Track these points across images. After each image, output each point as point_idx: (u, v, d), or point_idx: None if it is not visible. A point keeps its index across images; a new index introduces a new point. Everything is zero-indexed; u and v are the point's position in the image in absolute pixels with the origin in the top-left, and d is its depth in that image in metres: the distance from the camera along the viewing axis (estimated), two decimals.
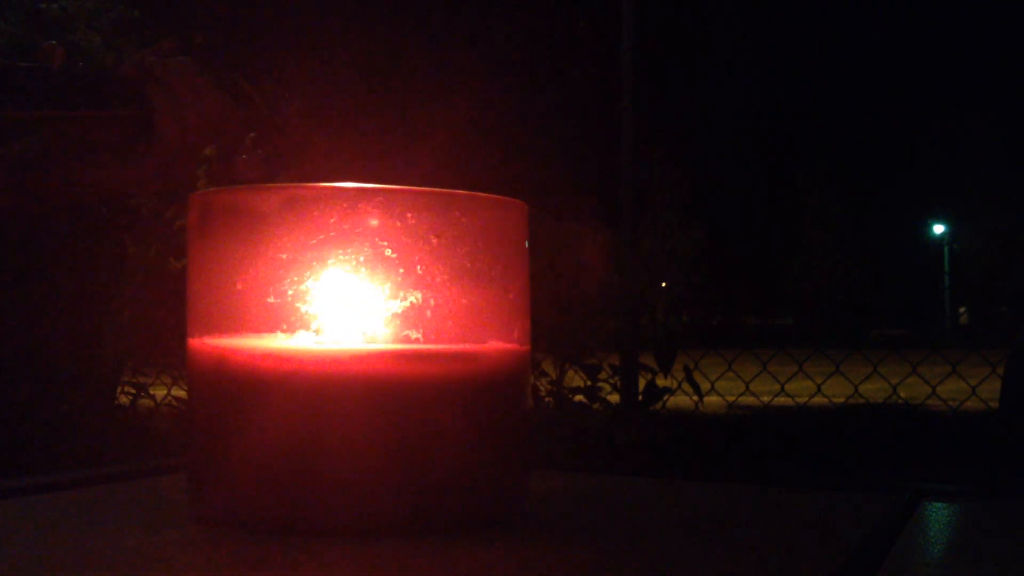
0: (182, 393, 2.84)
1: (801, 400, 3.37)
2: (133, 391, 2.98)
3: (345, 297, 0.53)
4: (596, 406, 2.98)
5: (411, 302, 0.54)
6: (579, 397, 2.99)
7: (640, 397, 2.97)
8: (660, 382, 2.97)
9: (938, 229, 34.63)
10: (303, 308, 0.53)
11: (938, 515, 0.62)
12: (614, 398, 3.03)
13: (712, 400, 3.30)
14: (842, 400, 3.69)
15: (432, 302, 0.54)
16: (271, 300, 0.54)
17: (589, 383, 2.96)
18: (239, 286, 0.54)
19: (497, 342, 0.57)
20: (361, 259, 0.53)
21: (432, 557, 0.48)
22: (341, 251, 0.53)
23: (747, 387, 3.42)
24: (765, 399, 3.47)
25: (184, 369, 0.59)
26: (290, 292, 0.53)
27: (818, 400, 3.44)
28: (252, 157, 0.90)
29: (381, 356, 0.53)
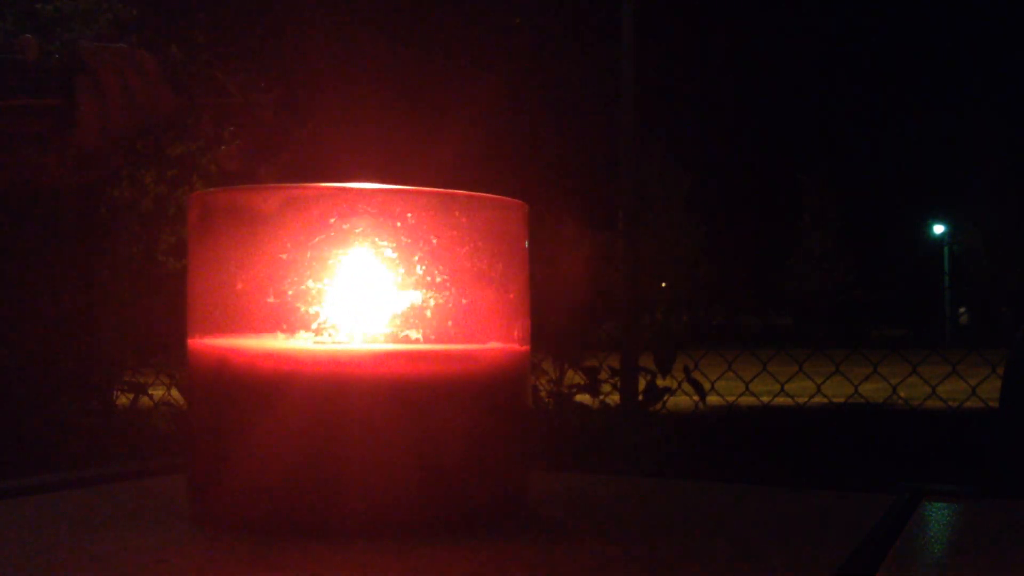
0: (182, 392, 2.84)
1: (801, 400, 3.37)
2: (132, 393, 2.98)
3: (345, 297, 0.53)
4: (596, 406, 2.98)
5: (411, 302, 0.54)
6: (579, 397, 2.99)
7: (640, 397, 2.97)
8: (660, 382, 2.97)
9: (938, 229, 34.64)
10: (303, 308, 0.53)
11: (938, 515, 0.62)
12: (614, 398, 3.03)
13: (712, 400, 3.30)
14: (842, 400, 3.68)
15: (432, 302, 0.54)
16: (271, 300, 0.54)
17: (589, 383, 2.96)
18: (239, 286, 0.54)
19: (497, 342, 0.57)
20: (361, 259, 0.53)
21: (432, 557, 0.48)
22: (341, 251, 0.53)
23: (747, 387, 3.42)
24: (765, 399, 3.47)
25: (184, 369, 0.59)
26: (290, 292, 0.53)
27: (818, 400, 3.44)
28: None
29: (381, 356, 0.53)
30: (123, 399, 2.98)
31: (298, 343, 0.53)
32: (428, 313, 0.54)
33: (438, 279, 0.54)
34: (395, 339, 0.53)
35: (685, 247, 29.15)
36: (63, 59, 0.88)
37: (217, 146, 0.90)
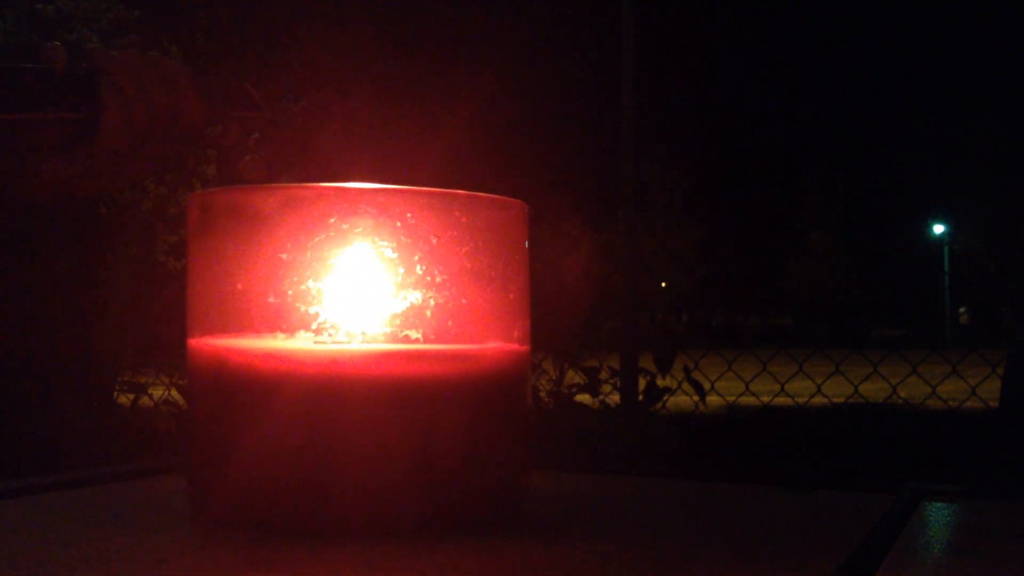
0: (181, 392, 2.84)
1: (801, 400, 3.37)
2: (132, 393, 2.98)
3: (345, 297, 0.53)
4: (596, 406, 2.98)
5: (411, 302, 0.54)
6: (579, 397, 2.99)
7: (640, 397, 2.97)
8: (660, 382, 2.97)
9: (938, 229, 34.63)
10: (303, 308, 0.53)
11: (938, 515, 0.62)
12: (614, 398, 3.03)
13: (712, 400, 3.30)
14: (842, 400, 3.68)
15: (432, 302, 0.54)
16: (271, 300, 0.54)
17: (589, 382, 2.96)
18: (239, 286, 0.54)
19: (497, 342, 0.57)
20: (361, 259, 0.53)
21: (432, 557, 0.48)
22: (341, 251, 0.53)
23: (747, 387, 3.42)
24: (765, 399, 3.47)
25: (184, 369, 0.59)
26: (290, 292, 0.53)
27: (818, 400, 3.44)
28: (255, 157, 0.90)
29: (381, 356, 0.53)
30: (123, 399, 2.98)
31: (298, 343, 0.53)
32: (428, 313, 0.54)
33: (438, 279, 0.54)
34: (395, 339, 0.53)
35: (685, 247, 29.15)
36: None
37: (241, 155, 0.90)
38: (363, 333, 0.53)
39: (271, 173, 0.90)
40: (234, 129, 0.91)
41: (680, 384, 3.03)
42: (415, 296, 0.54)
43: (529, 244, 0.60)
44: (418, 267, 0.54)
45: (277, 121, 0.91)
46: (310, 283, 0.53)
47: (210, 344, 0.55)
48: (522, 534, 0.54)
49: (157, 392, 3.13)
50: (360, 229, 0.53)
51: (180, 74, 0.90)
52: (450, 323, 0.54)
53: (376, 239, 0.53)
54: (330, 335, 0.53)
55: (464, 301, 0.55)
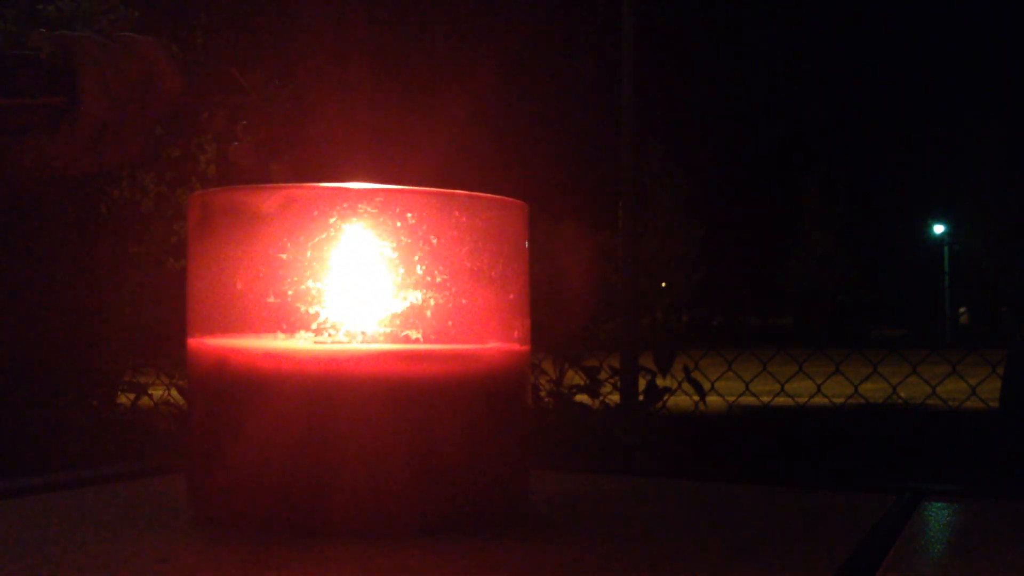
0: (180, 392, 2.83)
1: (801, 400, 3.37)
2: (132, 393, 2.98)
3: (345, 297, 0.53)
4: (596, 406, 2.98)
5: (411, 302, 0.54)
6: (579, 397, 2.99)
7: (640, 397, 2.97)
8: (660, 382, 2.97)
9: (938, 229, 34.64)
10: (303, 308, 0.53)
11: (938, 515, 0.62)
12: (614, 398, 3.03)
13: (712, 400, 3.30)
14: (842, 400, 3.68)
15: (432, 302, 0.54)
16: (271, 300, 0.54)
17: (589, 382, 2.96)
18: (239, 286, 0.54)
19: (497, 342, 0.57)
20: (361, 259, 0.53)
21: (432, 557, 0.48)
22: (341, 251, 0.53)
23: (747, 387, 3.42)
24: (765, 399, 3.47)
25: (183, 369, 0.59)
26: (290, 292, 0.53)
27: (818, 400, 3.44)
28: (244, 144, 0.90)
29: (381, 356, 0.53)
30: (123, 399, 2.98)
31: (298, 343, 0.53)
32: (428, 313, 0.54)
33: (438, 279, 0.54)
34: (395, 339, 0.53)
35: (685, 247, 29.16)
36: (57, 52, 0.88)
37: (230, 141, 0.90)
38: (363, 333, 0.53)
39: (260, 159, 0.90)
40: (220, 114, 0.91)
41: (680, 384, 3.03)
42: (415, 296, 0.54)
43: (529, 244, 0.60)
44: (418, 267, 0.54)
45: (264, 106, 0.91)
46: (310, 283, 0.53)
47: (210, 344, 0.55)
48: (522, 534, 0.54)
49: (157, 392, 3.12)
50: (360, 229, 0.53)
51: (149, 46, 0.91)
52: (450, 323, 0.54)
53: (376, 239, 0.53)
54: (330, 335, 0.53)
55: (464, 301, 0.55)
